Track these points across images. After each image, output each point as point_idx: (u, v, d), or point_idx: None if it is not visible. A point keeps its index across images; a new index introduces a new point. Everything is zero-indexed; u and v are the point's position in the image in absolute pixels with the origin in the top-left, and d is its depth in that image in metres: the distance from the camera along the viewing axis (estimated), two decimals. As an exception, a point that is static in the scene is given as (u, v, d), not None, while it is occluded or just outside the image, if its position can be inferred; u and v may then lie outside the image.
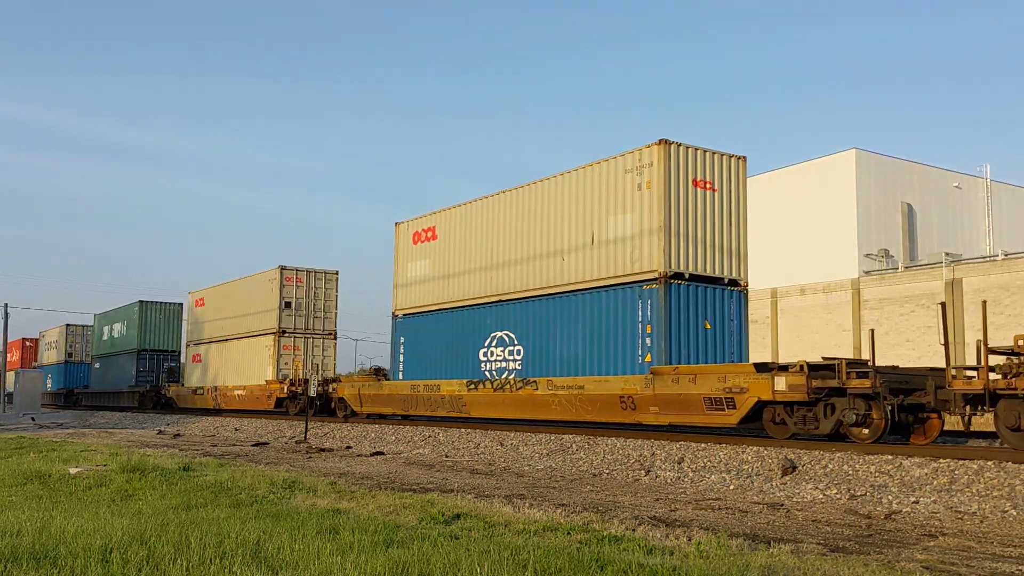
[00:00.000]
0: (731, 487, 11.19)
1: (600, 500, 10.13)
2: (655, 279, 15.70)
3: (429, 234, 22.53)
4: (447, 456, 16.40)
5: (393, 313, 23.58)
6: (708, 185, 16.45)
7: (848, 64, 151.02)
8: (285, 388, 28.93)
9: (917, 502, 9.39)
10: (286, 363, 30.54)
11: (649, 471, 12.63)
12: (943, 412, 12.85)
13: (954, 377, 11.85)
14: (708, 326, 16.29)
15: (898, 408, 12.54)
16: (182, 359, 42.69)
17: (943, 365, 12.34)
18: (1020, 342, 11.24)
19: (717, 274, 16.47)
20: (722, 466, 12.51)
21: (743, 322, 16.92)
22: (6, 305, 54.45)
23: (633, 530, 7.55)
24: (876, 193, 41.47)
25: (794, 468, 11.67)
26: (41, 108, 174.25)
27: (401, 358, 23.07)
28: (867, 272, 38.21)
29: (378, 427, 21.73)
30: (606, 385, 16.07)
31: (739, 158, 16.99)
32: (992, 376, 11.38)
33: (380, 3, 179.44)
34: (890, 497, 9.66)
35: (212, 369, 35.79)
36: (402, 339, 23.16)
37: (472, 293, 20.57)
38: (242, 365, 33.01)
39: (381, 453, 17.37)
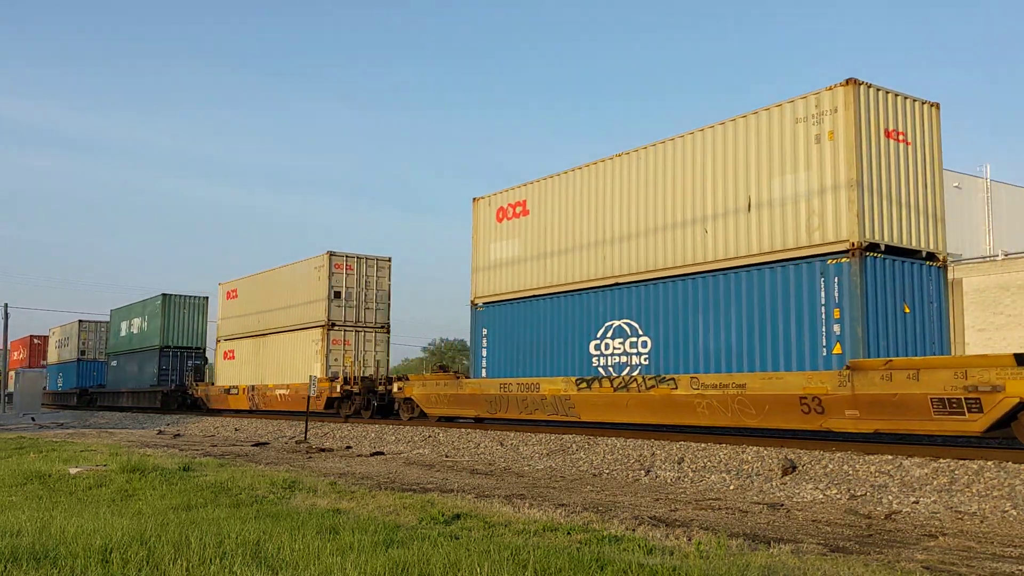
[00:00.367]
0: (731, 487, 11.19)
1: (600, 500, 10.13)
2: (845, 252, 12.91)
3: (518, 209, 19.41)
4: (447, 456, 16.41)
5: (472, 302, 20.52)
6: (901, 137, 13.82)
7: (846, 62, 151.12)
8: (338, 387, 25.82)
9: (917, 502, 9.39)
10: (335, 359, 27.57)
11: (649, 471, 12.62)
12: None
13: None
14: (907, 310, 13.59)
15: None
16: (208, 356, 40.86)
17: None
18: None
19: (914, 245, 13.76)
20: (722, 466, 12.51)
21: (943, 305, 14.13)
22: (6, 305, 54.31)
23: (633, 530, 7.55)
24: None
25: (794, 468, 11.67)
26: (43, 109, 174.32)
27: (483, 353, 19.99)
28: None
29: (378, 427, 21.72)
30: (779, 383, 13.14)
31: (933, 105, 14.48)
32: None
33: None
34: (890, 497, 9.66)
35: (248, 367, 32.61)
36: (484, 331, 20.08)
37: (578, 276, 17.60)
38: (284, 362, 29.89)
39: (381, 453, 17.37)
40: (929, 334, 13.86)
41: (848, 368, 12.35)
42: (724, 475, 11.87)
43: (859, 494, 10.01)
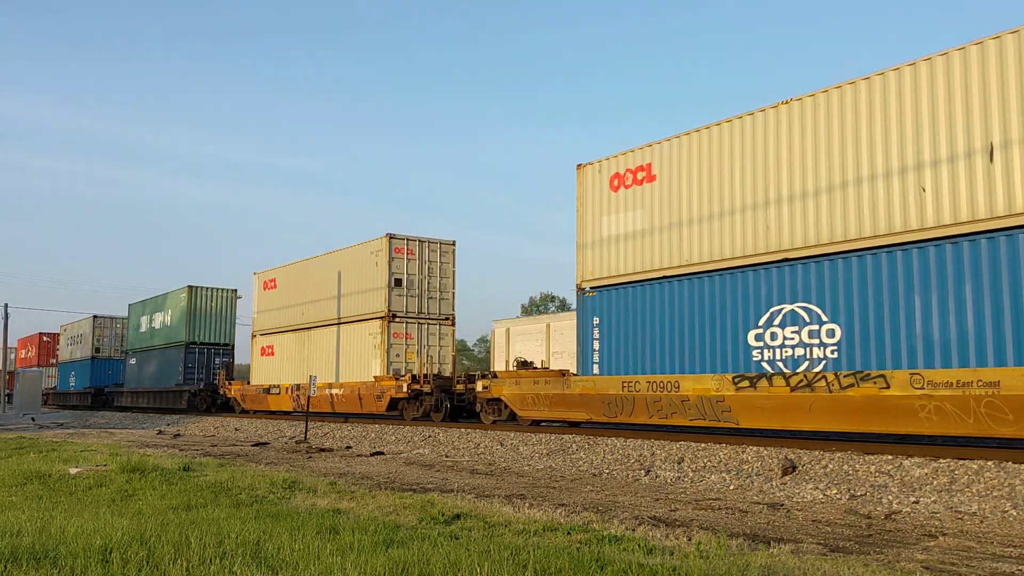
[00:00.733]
0: (731, 487, 11.20)
1: (600, 500, 10.13)
2: None
3: (641, 175, 16.48)
4: (447, 456, 16.41)
5: (578, 286, 17.63)
6: None
7: (847, 59, 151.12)
8: (405, 386, 22.99)
9: (917, 502, 9.40)
10: (397, 355, 24.81)
11: (649, 471, 12.63)
12: None
13: None
14: None
15: None
16: (236, 353, 38.19)
17: None
18: None
19: None
20: (722, 466, 12.52)
21: None
22: (6, 305, 54.24)
23: (633, 530, 7.55)
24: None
25: (794, 468, 11.67)
26: (47, 110, 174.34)
27: (596, 346, 17.06)
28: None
29: (378, 427, 21.73)
30: None
31: None
32: None
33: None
34: (890, 497, 9.67)
35: (291, 364, 29.72)
36: (596, 320, 17.12)
37: (728, 252, 14.59)
38: (335, 358, 27.25)
39: (381, 453, 17.38)
40: None
41: None
42: (724, 475, 11.88)
43: (859, 494, 10.02)
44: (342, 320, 26.93)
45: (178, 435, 25.06)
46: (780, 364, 13.64)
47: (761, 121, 14.40)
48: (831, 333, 13.06)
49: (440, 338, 25.84)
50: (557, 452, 15.24)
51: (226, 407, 35.04)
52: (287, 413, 29.85)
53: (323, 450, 18.34)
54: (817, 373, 12.85)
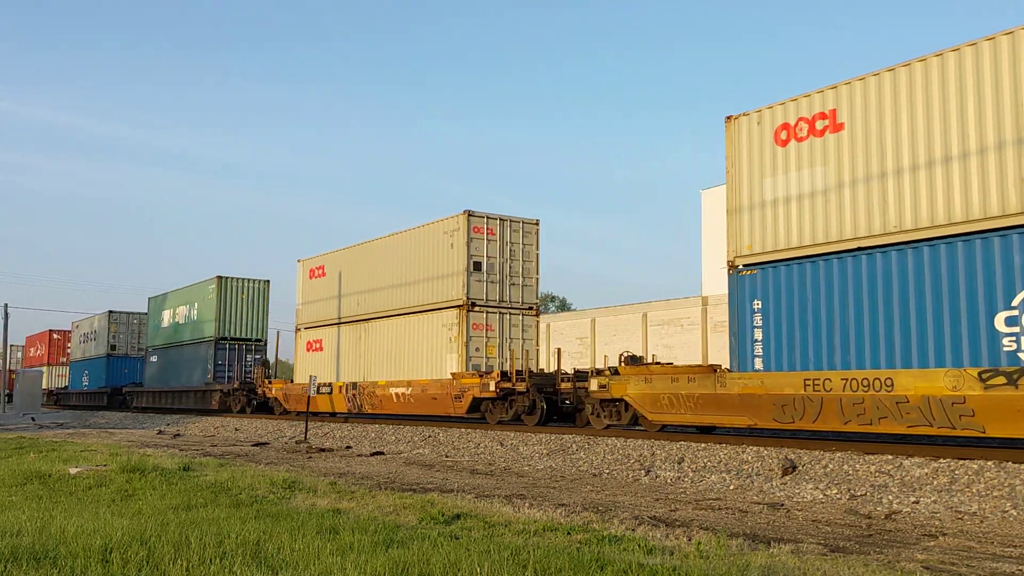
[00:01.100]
0: (731, 487, 11.20)
1: (600, 500, 10.13)
2: None
3: (821, 124, 13.43)
4: (447, 456, 16.41)
5: (730, 262, 14.59)
6: None
7: (844, 59, 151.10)
8: (492, 384, 19.76)
9: (917, 502, 9.40)
10: (476, 348, 21.72)
11: (649, 471, 12.63)
12: None
13: None
14: None
15: None
16: (271, 348, 35.79)
17: None
18: None
19: None
20: (722, 466, 12.52)
21: None
22: (6, 305, 54.20)
23: (633, 530, 7.55)
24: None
25: (794, 468, 11.67)
26: (51, 111, 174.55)
27: (756, 336, 14.06)
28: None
29: (378, 427, 21.73)
30: None
31: None
32: None
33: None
34: (890, 497, 9.67)
35: (347, 360, 26.49)
36: (757, 304, 14.12)
37: (962, 213, 11.49)
38: (402, 353, 23.89)
39: (381, 453, 17.38)
40: None
41: None
42: (724, 475, 11.88)
43: (859, 494, 10.02)
44: (411, 310, 23.82)
45: (178, 435, 25.08)
46: None
47: (1007, 45, 11.29)
48: None
49: (523, 330, 22.67)
50: (557, 452, 15.25)
51: (264, 408, 31.68)
52: (344, 417, 26.97)
53: (323, 450, 18.35)
54: None
